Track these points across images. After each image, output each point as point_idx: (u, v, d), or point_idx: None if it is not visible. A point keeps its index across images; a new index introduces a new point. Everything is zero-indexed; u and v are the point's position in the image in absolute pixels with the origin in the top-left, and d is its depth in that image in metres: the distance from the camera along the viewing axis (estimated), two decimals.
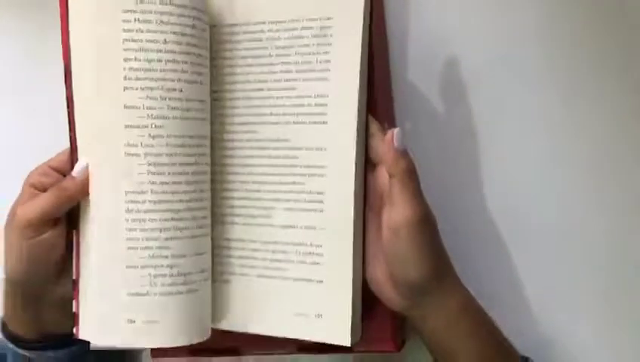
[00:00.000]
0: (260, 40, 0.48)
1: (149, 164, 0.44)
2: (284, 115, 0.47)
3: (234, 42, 0.49)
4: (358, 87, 0.45)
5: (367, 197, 0.47)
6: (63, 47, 0.45)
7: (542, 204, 0.54)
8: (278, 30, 0.47)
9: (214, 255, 0.49)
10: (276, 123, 0.48)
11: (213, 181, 0.49)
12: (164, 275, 0.45)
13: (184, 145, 0.45)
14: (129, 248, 0.44)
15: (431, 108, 0.55)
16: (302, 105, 0.47)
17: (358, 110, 0.45)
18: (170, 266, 0.45)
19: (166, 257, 0.45)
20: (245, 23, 0.48)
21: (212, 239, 0.48)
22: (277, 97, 0.47)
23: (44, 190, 0.45)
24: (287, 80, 0.47)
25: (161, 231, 0.45)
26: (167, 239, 0.45)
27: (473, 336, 0.45)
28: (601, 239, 0.53)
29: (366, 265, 0.47)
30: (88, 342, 0.45)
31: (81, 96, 0.45)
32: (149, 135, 0.44)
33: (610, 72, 0.52)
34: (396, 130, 0.44)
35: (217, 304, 0.49)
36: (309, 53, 0.46)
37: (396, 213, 0.43)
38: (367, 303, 0.48)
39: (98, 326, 0.45)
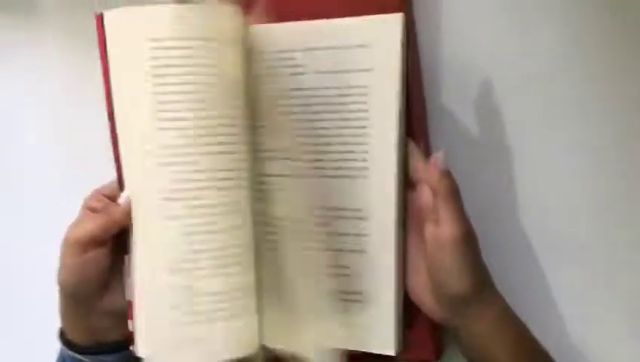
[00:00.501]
0: (300, 66, 0.50)
1: (186, 199, 0.47)
2: (325, 137, 0.50)
3: (273, 68, 0.51)
4: (397, 110, 0.48)
5: (407, 212, 0.49)
6: (105, 95, 0.49)
7: (575, 221, 0.55)
8: (318, 57, 0.50)
9: (263, 274, 0.51)
10: (316, 145, 0.50)
11: (259, 203, 0.51)
12: (207, 302, 0.47)
13: (221, 179, 0.48)
14: (171, 278, 0.47)
15: (463, 129, 0.57)
16: (344, 128, 0.49)
17: (398, 132, 0.48)
18: (214, 294, 0.47)
19: (210, 286, 0.47)
20: (284, 50, 0.51)
21: (261, 257, 0.51)
22: (318, 120, 0.50)
23: (96, 213, 0.50)
24: (327, 104, 0.50)
25: (203, 259, 0.47)
26: (208, 267, 0.47)
27: (512, 345, 0.48)
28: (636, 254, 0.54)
29: (407, 276, 0.49)
30: None
31: (124, 140, 0.48)
32: (186, 177, 0.47)
33: None
34: (440, 153, 0.47)
35: (266, 319, 0.51)
36: (349, 79, 0.49)
37: (442, 229, 0.46)
38: (407, 313, 0.50)
39: (150, 345, 0.48)
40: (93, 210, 0.50)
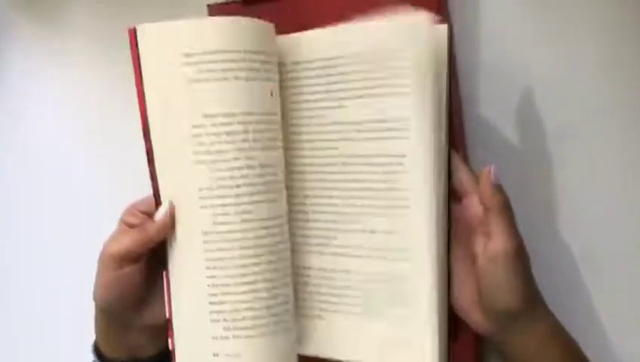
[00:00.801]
0: (337, 74, 0.50)
1: (220, 215, 0.47)
2: (362, 156, 0.49)
3: (314, 77, 0.51)
4: (434, 120, 0.47)
5: (453, 226, 0.49)
6: (140, 111, 0.49)
7: (617, 233, 0.55)
8: (356, 62, 0.49)
9: (304, 289, 0.52)
10: (351, 159, 0.50)
11: (296, 210, 0.52)
12: (245, 318, 0.48)
13: (265, 191, 0.48)
14: (210, 294, 0.48)
15: (501, 139, 0.57)
16: (381, 140, 0.48)
17: (433, 142, 0.47)
18: (252, 309, 0.47)
19: (247, 300, 0.47)
20: (322, 58, 0.50)
21: (300, 270, 0.51)
22: (354, 131, 0.49)
23: (133, 228, 0.50)
24: (365, 113, 0.49)
25: (240, 275, 0.47)
26: (247, 283, 0.47)
27: (560, 359, 0.47)
28: None
29: (453, 291, 0.49)
30: None
31: (159, 153, 0.49)
32: (220, 186, 0.47)
33: None
34: (493, 167, 0.47)
35: (309, 334, 0.52)
36: (388, 86, 0.48)
37: (494, 243, 0.46)
38: (452, 325, 0.50)
39: (187, 359, 0.49)
40: (130, 226, 0.50)
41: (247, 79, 0.47)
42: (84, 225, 0.66)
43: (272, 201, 0.48)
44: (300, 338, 0.52)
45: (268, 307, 0.48)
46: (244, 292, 0.47)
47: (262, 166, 0.48)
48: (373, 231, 0.49)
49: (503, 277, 0.46)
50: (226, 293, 0.47)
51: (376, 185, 0.49)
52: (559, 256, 0.56)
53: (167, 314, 0.50)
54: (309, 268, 0.52)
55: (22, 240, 0.69)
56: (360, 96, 0.49)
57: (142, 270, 0.49)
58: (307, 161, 0.52)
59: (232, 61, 0.46)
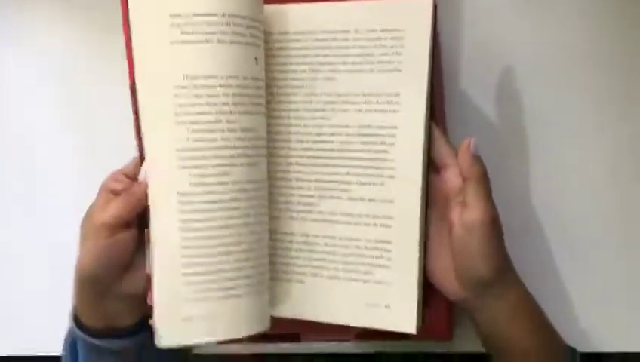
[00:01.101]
0: (331, 48, 0.51)
1: (196, 176, 0.47)
2: (353, 118, 0.51)
3: (303, 49, 0.52)
4: (426, 95, 0.48)
5: (430, 196, 0.50)
6: (128, 67, 0.49)
7: (591, 209, 0.58)
8: (352, 39, 0.50)
9: (286, 254, 0.53)
10: (340, 126, 0.51)
11: (279, 178, 0.52)
12: (215, 280, 0.48)
13: (244, 154, 0.48)
14: (183, 256, 0.48)
15: (481, 116, 0.59)
16: (371, 112, 0.50)
17: (425, 116, 0.49)
18: (222, 271, 0.48)
19: (221, 262, 0.48)
20: (314, 31, 0.51)
21: (282, 236, 0.52)
22: (344, 102, 0.51)
23: (117, 195, 0.49)
24: (357, 87, 0.50)
25: (215, 237, 0.48)
26: (219, 245, 0.48)
27: (530, 325, 0.50)
28: None
29: (427, 259, 0.50)
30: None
31: (144, 112, 0.49)
32: (198, 147, 0.47)
33: None
34: (473, 139, 0.48)
35: (289, 297, 0.53)
36: (381, 62, 0.50)
37: (471, 213, 0.47)
38: (424, 293, 0.51)
39: (164, 319, 0.49)
40: (115, 192, 0.49)
41: (232, 42, 0.47)
42: (70, 203, 0.64)
43: (252, 165, 0.49)
44: (278, 300, 0.53)
45: (239, 269, 0.48)
46: (216, 255, 0.48)
47: (243, 130, 0.48)
48: (359, 199, 0.51)
49: (478, 246, 0.47)
50: (199, 255, 0.48)
51: (363, 155, 0.50)
52: (533, 231, 0.59)
53: (147, 270, 0.49)
54: (292, 233, 0.53)
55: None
56: (352, 71, 0.50)
57: (134, 235, 0.49)
58: (293, 129, 0.52)
59: (217, 24, 0.47)
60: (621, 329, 0.58)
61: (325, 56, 0.51)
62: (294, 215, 0.53)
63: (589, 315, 0.58)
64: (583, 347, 0.56)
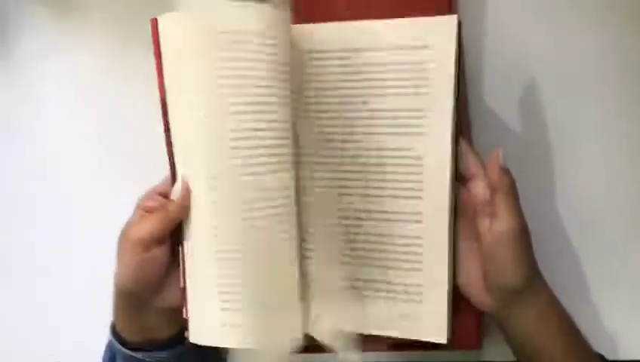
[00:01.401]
0: (352, 66, 0.52)
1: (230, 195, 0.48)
2: (379, 134, 0.51)
3: (330, 67, 0.52)
4: (452, 111, 0.49)
5: (458, 208, 0.51)
6: (158, 83, 0.50)
7: (614, 214, 0.58)
8: (370, 58, 0.51)
9: (319, 269, 0.53)
10: (370, 142, 0.51)
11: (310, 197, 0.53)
12: (254, 292, 0.49)
13: (276, 169, 0.49)
14: (219, 268, 0.49)
15: (505, 128, 0.59)
16: (399, 126, 0.51)
17: (451, 132, 0.49)
18: (258, 284, 0.49)
19: (255, 277, 0.49)
20: (341, 50, 0.52)
21: (318, 253, 0.53)
22: (372, 123, 0.51)
23: (152, 213, 0.50)
24: (382, 103, 0.51)
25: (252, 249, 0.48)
26: (254, 260, 0.48)
27: (559, 332, 0.50)
28: None
29: (457, 270, 0.51)
30: (189, 343, 0.51)
31: (176, 129, 0.50)
32: (229, 165, 0.48)
33: None
34: (501, 150, 0.49)
35: (324, 309, 0.53)
36: (406, 79, 0.50)
37: (500, 223, 0.48)
38: (454, 303, 0.52)
39: (199, 330, 0.51)
40: (149, 210, 0.51)
41: (261, 60, 0.48)
42: (97, 213, 0.66)
43: (282, 172, 0.50)
44: (315, 313, 0.53)
45: (277, 283, 0.49)
46: (250, 272, 0.48)
47: (273, 146, 0.49)
48: (390, 213, 0.51)
49: (508, 255, 0.48)
50: (233, 267, 0.48)
51: (391, 174, 0.51)
52: (558, 237, 0.59)
53: (182, 283, 0.51)
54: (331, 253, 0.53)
55: (30, 231, 0.69)
56: (378, 89, 0.51)
57: (167, 252, 0.50)
58: (324, 145, 0.53)
59: (249, 43, 0.47)
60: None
61: (348, 73, 0.52)
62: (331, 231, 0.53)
63: (617, 321, 0.59)
64: (611, 354, 0.56)
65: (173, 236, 0.51)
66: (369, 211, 0.52)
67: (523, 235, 0.48)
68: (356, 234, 0.53)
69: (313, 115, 0.53)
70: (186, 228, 0.50)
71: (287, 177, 0.50)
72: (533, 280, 0.50)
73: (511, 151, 0.57)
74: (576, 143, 0.58)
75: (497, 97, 0.59)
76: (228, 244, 0.49)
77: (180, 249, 0.51)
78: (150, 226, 0.49)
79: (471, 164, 0.50)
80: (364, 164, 0.52)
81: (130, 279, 0.50)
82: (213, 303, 0.49)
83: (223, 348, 0.58)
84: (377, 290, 0.52)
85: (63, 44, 0.67)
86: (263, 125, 0.48)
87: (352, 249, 0.53)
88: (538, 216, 0.57)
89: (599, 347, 0.53)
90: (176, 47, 0.49)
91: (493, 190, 0.49)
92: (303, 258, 0.53)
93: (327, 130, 0.53)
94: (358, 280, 0.53)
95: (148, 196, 0.52)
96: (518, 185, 0.50)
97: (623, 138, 0.58)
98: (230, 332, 0.49)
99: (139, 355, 0.53)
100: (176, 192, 0.50)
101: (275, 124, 0.49)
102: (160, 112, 0.50)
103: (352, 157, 0.52)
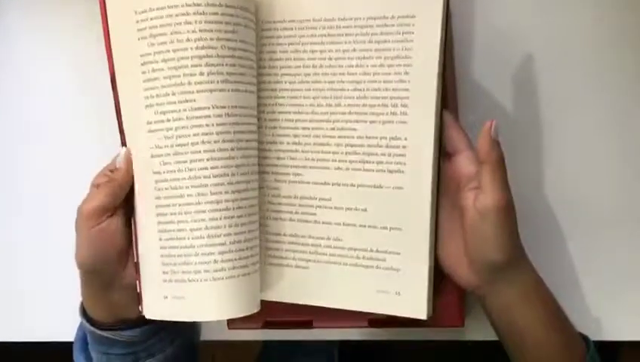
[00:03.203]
0: (341, 35, 0.50)
1: (177, 162, 0.48)
2: (361, 107, 0.50)
3: (311, 37, 0.51)
4: (437, 82, 0.48)
5: (441, 182, 0.50)
6: (107, 58, 0.50)
7: (605, 199, 0.57)
8: (359, 26, 0.49)
9: (290, 239, 0.53)
10: (349, 118, 0.50)
11: (280, 157, 0.52)
12: (190, 263, 0.48)
13: (218, 140, 0.48)
14: (160, 239, 0.49)
15: (493, 104, 0.58)
16: (383, 98, 0.49)
17: (436, 102, 0.48)
18: (197, 254, 0.48)
19: (201, 246, 0.48)
20: (322, 19, 0.50)
21: (284, 224, 0.53)
22: (354, 90, 0.50)
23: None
24: (365, 74, 0.49)
25: (189, 221, 0.48)
26: (196, 229, 0.48)
27: (542, 311, 0.49)
28: None
29: (439, 245, 0.50)
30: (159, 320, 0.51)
31: (125, 102, 0.50)
32: (174, 135, 0.48)
33: None
34: (494, 122, 0.47)
35: (300, 283, 0.53)
36: (391, 49, 0.49)
37: (486, 197, 0.47)
38: (436, 280, 0.51)
39: (148, 303, 0.51)
40: (98, 185, 0.50)
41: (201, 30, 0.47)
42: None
43: (229, 142, 0.48)
44: (285, 286, 0.53)
45: (221, 252, 0.48)
46: (193, 238, 0.48)
47: (219, 107, 0.48)
48: (368, 186, 0.50)
49: (492, 231, 0.47)
50: (173, 238, 0.49)
51: (372, 142, 0.50)
52: (546, 218, 0.58)
53: (135, 258, 0.51)
54: (295, 219, 0.53)
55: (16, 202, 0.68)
56: (357, 60, 0.49)
57: (121, 223, 0.50)
58: (288, 108, 0.52)
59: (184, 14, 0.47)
60: (636, 317, 0.58)
61: (329, 44, 0.50)
62: (297, 199, 0.52)
63: (602, 302, 0.58)
64: (597, 335, 0.56)
65: (129, 210, 0.51)
66: (349, 185, 0.51)
67: (508, 211, 0.47)
68: (332, 203, 0.51)
69: (286, 92, 0.52)
70: (134, 199, 0.50)
71: (241, 144, 0.49)
72: (516, 257, 0.49)
73: (500, 129, 0.57)
74: (565, 121, 0.57)
75: (486, 73, 0.58)
76: (169, 216, 0.49)
77: (133, 222, 0.51)
78: (97, 198, 0.49)
79: (455, 137, 0.49)
80: (345, 137, 0.50)
81: (87, 255, 0.49)
82: (157, 276, 0.49)
83: (197, 323, 0.59)
84: (356, 265, 0.51)
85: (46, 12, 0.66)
86: (212, 88, 0.47)
87: (328, 222, 0.52)
88: (524, 196, 0.56)
89: (584, 328, 0.53)
90: (120, 23, 0.49)
91: (480, 163, 0.47)
92: (268, 225, 0.53)
93: (303, 102, 0.51)
94: (332, 254, 0.52)
95: (100, 173, 0.51)
96: (507, 163, 0.48)
97: (613, 116, 0.57)
98: (174, 304, 0.49)
99: (109, 334, 0.52)
100: (119, 161, 0.50)
101: (227, 86, 0.48)
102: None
103: (333, 129, 0.51)
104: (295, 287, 0.53)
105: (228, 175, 0.48)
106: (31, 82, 0.67)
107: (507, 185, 0.47)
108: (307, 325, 0.57)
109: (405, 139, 0.49)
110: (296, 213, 0.52)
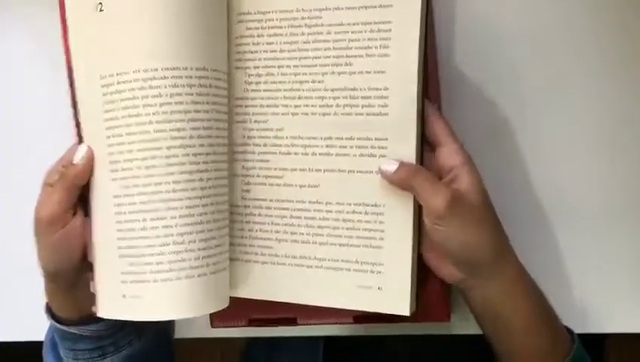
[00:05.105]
0: (318, 25, 0.48)
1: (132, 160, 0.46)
2: (339, 106, 0.48)
3: (289, 27, 0.49)
4: (417, 72, 0.47)
5: None
6: (64, 50, 0.48)
7: (586, 183, 0.57)
8: (336, 16, 0.48)
9: (259, 236, 0.51)
10: (329, 112, 0.49)
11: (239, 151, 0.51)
12: (148, 263, 0.47)
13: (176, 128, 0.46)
14: (119, 238, 0.47)
15: (476, 92, 0.57)
16: (359, 92, 0.48)
17: (417, 95, 0.47)
18: (153, 254, 0.47)
19: (160, 245, 0.47)
20: (302, 9, 0.49)
21: (257, 212, 0.51)
22: (332, 89, 0.48)
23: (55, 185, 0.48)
24: (344, 64, 0.48)
25: (151, 219, 0.47)
26: (153, 228, 0.47)
27: (526, 304, 0.49)
28: None
29: (422, 241, 0.49)
30: None
31: (80, 92, 0.48)
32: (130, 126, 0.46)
33: None
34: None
35: (278, 280, 0.51)
36: (368, 39, 0.47)
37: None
38: (420, 275, 0.50)
39: (104, 302, 0.49)
40: (53, 183, 0.48)
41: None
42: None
43: (186, 130, 0.47)
44: (262, 283, 0.52)
45: (182, 251, 0.47)
46: (152, 237, 0.47)
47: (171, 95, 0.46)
48: (351, 182, 0.49)
49: (474, 233, 0.46)
50: (133, 237, 0.47)
51: (354, 135, 0.49)
52: (530, 210, 0.58)
53: (89, 258, 0.49)
54: (269, 208, 0.51)
55: None
56: (337, 64, 0.48)
57: (81, 221, 0.48)
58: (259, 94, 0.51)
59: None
60: (622, 310, 0.57)
61: (305, 35, 0.49)
62: (272, 190, 0.51)
63: (586, 294, 0.57)
64: (583, 328, 0.55)
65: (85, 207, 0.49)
66: (328, 170, 0.49)
67: (487, 211, 0.47)
68: (312, 198, 0.50)
69: (262, 84, 0.50)
70: (90, 197, 0.49)
71: (198, 144, 0.47)
72: (500, 250, 0.48)
73: (483, 119, 0.57)
74: (551, 110, 0.57)
75: (468, 62, 0.57)
76: (127, 214, 0.47)
77: (88, 220, 0.49)
78: (56, 199, 0.47)
79: (438, 129, 0.48)
80: (327, 128, 0.49)
81: (53, 260, 0.48)
82: (115, 274, 0.48)
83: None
84: (335, 260, 0.50)
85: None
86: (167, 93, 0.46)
87: (309, 215, 0.50)
88: (510, 188, 0.56)
89: (569, 320, 0.52)
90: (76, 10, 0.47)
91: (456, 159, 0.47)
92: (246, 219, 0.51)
93: (280, 95, 0.50)
94: (312, 249, 0.50)
95: (53, 170, 0.49)
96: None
97: (603, 103, 0.56)
98: (132, 304, 0.48)
99: (74, 330, 0.52)
100: (78, 156, 0.48)
101: (183, 95, 0.46)
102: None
103: (313, 114, 0.49)
104: (273, 284, 0.51)
105: (192, 172, 0.47)
106: None
107: (482, 182, 0.47)
108: (291, 322, 0.56)
109: (385, 133, 0.48)
110: (275, 207, 0.51)
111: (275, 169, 0.51)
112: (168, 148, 0.46)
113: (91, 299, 0.50)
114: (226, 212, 0.50)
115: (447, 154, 0.48)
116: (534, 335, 0.49)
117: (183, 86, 0.46)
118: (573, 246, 0.57)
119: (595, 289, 0.57)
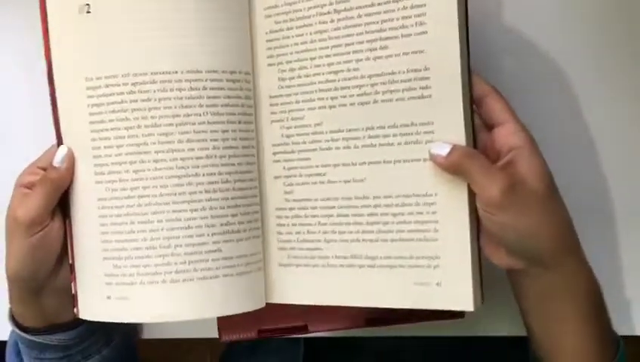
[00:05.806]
0: (347, 10, 0.46)
1: (118, 163, 0.46)
2: (378, 93, 0.45)
3: (318, 15, 0.46)
4: (459, 47, 0.44)
5: None
6: (44, 46, 0.47)
7: (585, 189, 0.56)
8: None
9: (306, 238, 0.48)
10: (367, 100, 0.46)
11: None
12: (134, 265, 0.46)
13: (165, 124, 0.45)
14: (103, 241, 0.47)
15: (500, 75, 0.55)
16: (398, 76, 0.45)
17: (461, 70, 0.44)
18: (140, 257, 0.46)
19: (144, 249, 0.46)
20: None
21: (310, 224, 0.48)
22: (369, 75, 0.45)
23: (33, 188, 0.47)
24: (379, 48, 0.45)
25: (138, 223, 0.46)
26: (142, 231, 0.46)
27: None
28: None
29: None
30: (94, 322, 0.48)
31: (62, 93, 0.47)
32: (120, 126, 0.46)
33: None
34: None
35: (329, 283, 0.47)
36: (402, 18, 0.44)
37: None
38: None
39: (86, 304, 0.48)
40: (30, 185, 0.47)
41: None
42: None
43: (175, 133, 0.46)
44: (302, 286, 0.48)
45: (163, 255, 0.46)
46: (139, 240, 0.46)
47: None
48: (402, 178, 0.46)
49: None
50: (118, 240, 0.46)
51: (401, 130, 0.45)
52: None
53: (70, 260, 0.49)
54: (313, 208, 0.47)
55: None
56: (371, 49, 0.45)
57: (60, 226, 0.48)
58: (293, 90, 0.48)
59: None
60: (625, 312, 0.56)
61: (323, 23, 0.46)
62: (316, 189, 0.47)
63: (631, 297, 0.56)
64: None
65: (63, 209, 0.48)
66: (372, 163, 0.46)
67: (550, 198, 0.43)
68: (355, 197, 0.46)
69: (296, 79, 0.48)
70: (70, 198, 0.48)
71: (194, 147, 0.46)
72: (561, 244, 0.44)
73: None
74: (540, 99, 0.55)
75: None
76: (113, 217, 0.46)
77: (67, 222, 0.48)
78: (35, 203, 0.46)
79: (496, 107, 0.44)
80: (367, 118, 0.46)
81: (24, 264, 0.47)
82: (98, 276, 0.47)
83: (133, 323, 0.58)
84: (387, 258, 0.45)
85: None
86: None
87: (351, 213, 0.47)
88: None
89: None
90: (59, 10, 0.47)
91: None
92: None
93: (315, 88, 0.47)
94: (361, 253, 0.46)
95: (28, 171, 0.49)
96: None
97: (588, 90, 0.55)
98: (117, 305, 0.47)
99: (40, 339, 0.50)
100: (58, 159, 0.47)
101: (172, 100, 0.45)
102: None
103: (351, 105, 0.46)
104: (324, 288, 0.47)
105: (180, 176, 0.46)
106: None
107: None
108: (302, 330, 0.52)
109: (432, 122, 0.44)
110: (321, 206, 0.47)
111: (317, 166, 0.48)
112: (156, 152, 0.46)
113: (58, 306, 0.49)
114: (225, 217, 0.47)
115: (506, 135, 0.44)
116: (588, 336, 0.46)
117: (172, 90, 0.46)
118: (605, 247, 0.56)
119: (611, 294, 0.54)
